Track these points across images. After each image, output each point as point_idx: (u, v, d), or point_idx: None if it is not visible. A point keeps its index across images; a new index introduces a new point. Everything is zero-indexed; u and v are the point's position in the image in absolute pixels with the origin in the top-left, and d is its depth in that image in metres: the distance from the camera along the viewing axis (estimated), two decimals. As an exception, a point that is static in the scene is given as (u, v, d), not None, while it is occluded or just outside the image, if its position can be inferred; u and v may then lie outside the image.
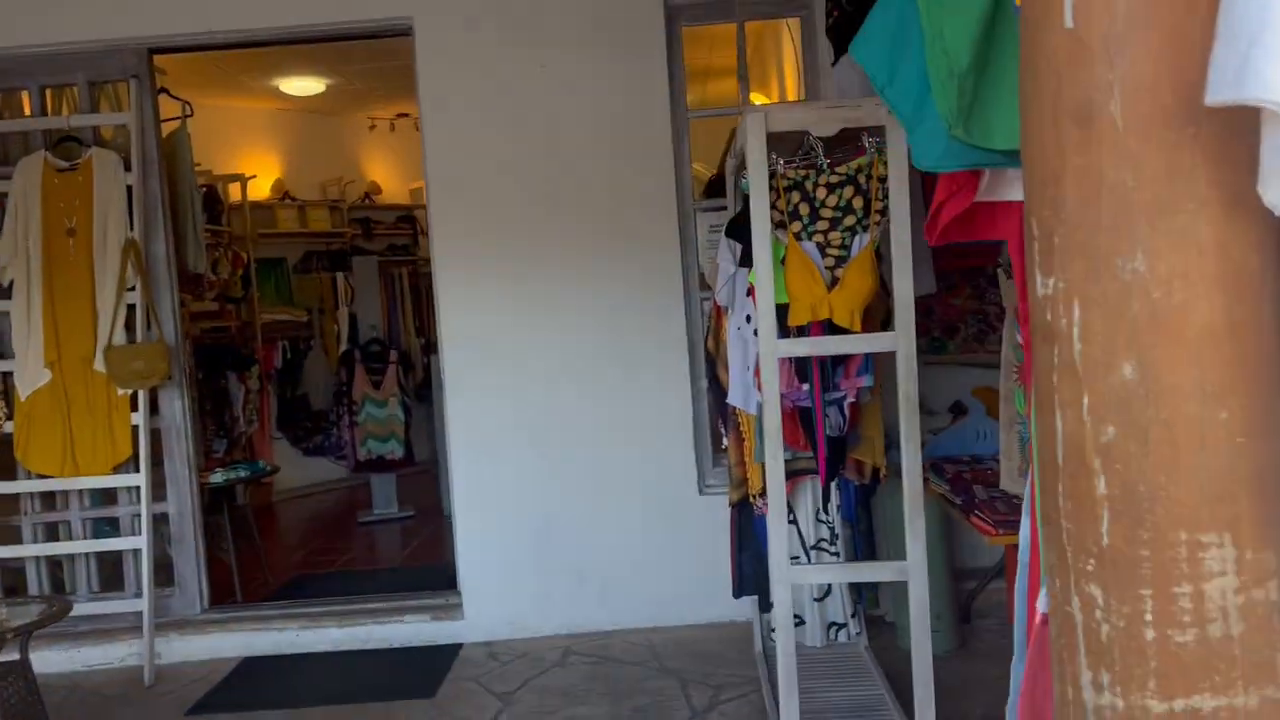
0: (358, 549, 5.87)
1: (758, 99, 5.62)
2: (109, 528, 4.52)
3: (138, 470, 4.21)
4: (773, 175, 2.69)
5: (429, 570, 5.20)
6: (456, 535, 4.41)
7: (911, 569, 2.58)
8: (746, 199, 3.10)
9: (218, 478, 4.71)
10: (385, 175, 8.99)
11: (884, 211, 2.60)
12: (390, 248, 8.71)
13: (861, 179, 2.60)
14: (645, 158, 4.27)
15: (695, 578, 4.32)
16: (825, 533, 3.68)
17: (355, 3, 4.24)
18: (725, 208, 4.39)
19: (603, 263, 4.29)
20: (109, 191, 4.24)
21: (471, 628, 4.35)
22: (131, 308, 4.24)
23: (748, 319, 3.25)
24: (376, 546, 5.93)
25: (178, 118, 4.65)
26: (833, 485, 3.63)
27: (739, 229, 3.28)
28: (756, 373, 3.23)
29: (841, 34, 3.93)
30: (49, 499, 4.43)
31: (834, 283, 2.63)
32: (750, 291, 3.22)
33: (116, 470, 4.25)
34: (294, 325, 7.88)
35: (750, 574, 3.78)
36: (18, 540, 4.34)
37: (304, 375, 7.82)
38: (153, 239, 4.33)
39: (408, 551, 5.75)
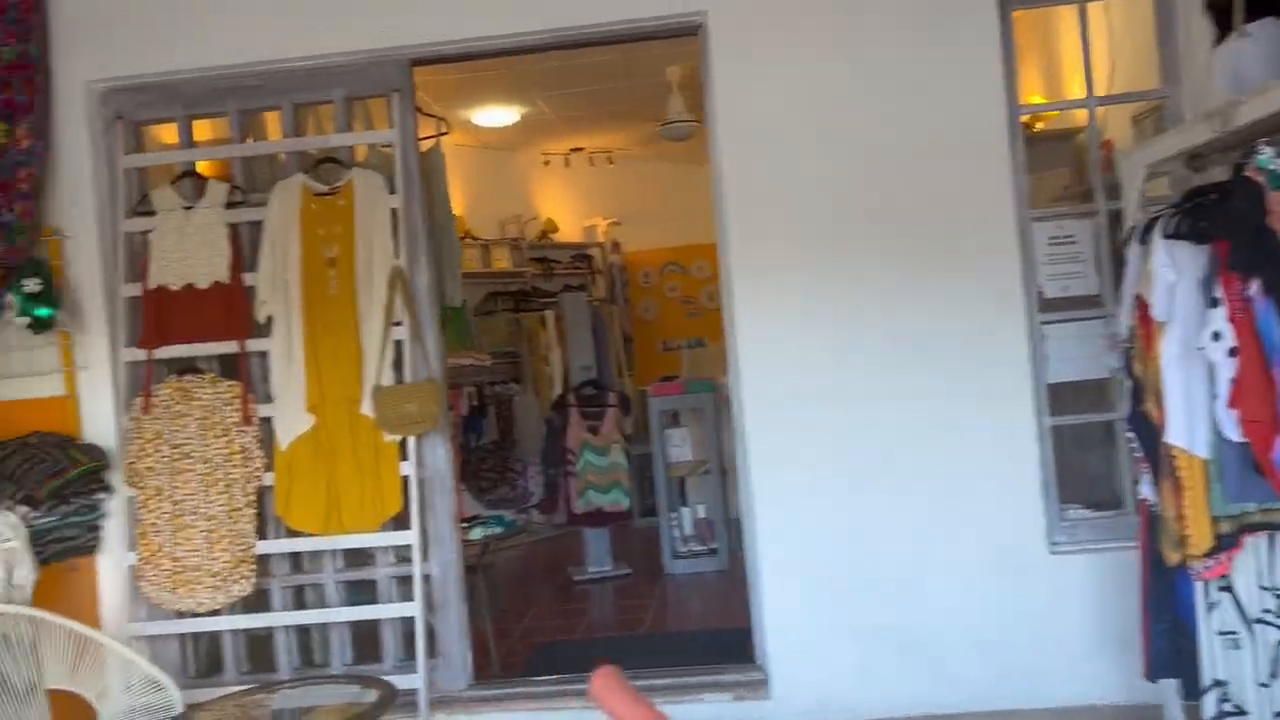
0: (592, 612, 5.32)
1: (1035, 98, 5.00)
2: (358, 592, 4.04)
3: (408, 526, 3.72)
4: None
5: (696, 637, 4.63)
6: (760, 599, 3.81)
7: None
8: (1239, 180, 2.49)
9: (476, 534, 4.20)
10: (559, 212, 8.59)
11: None
12: (566, 287, 8.28)
13: None
14: (978, 162, 3.68)
15: (1047, 650, 3.65)
16: (1271, 602, 2.98)
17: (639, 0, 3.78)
18: (1066, 215, 3.81)
19: (928, 285, 3.70)
20: (373, 216, 3.82)
21: (781, 708, 3.73)
22: (398, 344, 3.79)
23: (1215, 336, 2.62)
24: (611, 608, 5.37)
25: (431, 136, 4.23)
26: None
27: (1201, 229, 2.67)
28: (1232, 401, 2.60)
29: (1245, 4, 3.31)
30: (295, 559, 3.97)
31: None
32: (1220, 300, 2.60)
33: (384, 527, 3.77)
34: (476, 370, 7.46)
35: (1168, 651, 3.11)
36: (265, 606, 3.88)
37: (488, 422, 7.38)
38: (415, 269, 3.88)
39: (653, 615, 5.17)
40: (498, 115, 6.92)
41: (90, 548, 3.83)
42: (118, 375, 3.90)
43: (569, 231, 8.67)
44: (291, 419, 3.74)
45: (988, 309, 3.70)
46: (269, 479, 3.76)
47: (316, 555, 3.94)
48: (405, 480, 3.74)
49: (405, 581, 3.90)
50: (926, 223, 3.70)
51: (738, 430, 3.91)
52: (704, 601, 5.45)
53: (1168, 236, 2.78)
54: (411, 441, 3.75)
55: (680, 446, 6.24)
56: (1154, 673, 3.12)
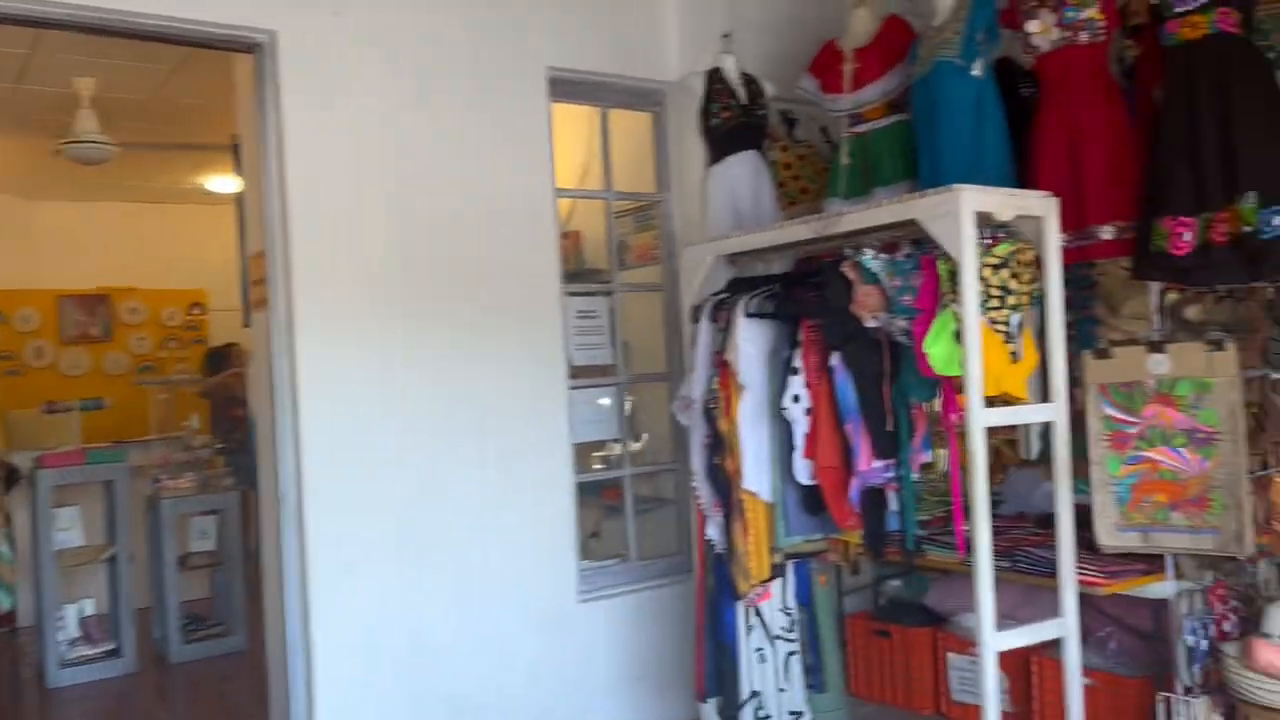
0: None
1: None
2: None
3: None
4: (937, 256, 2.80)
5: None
6: (314, 674, 3.40)
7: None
8: (833, 272, 3.10)
9: None
10: None
11: (1030, 293, 2.86)
12: None
13: (1012, 262, 2.84)
14: (532, 236, 3.91)
15: (581, 696, 3.91)
16: (784, 621, 3.65)
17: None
18: (593, 292, 4.23)
19: (485, 348, 3.78)
20: None
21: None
22: None
23: (795, 398, 3.21)
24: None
25: None
26: (789, 569, 3.64)
27: (782, 310, 3.26)
28: (808, 452, 3.20)
29: (734, 138, 4.09)
30: None
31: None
32: (798, 369, 3.20)
33: None
34: None
35: (715, 672, 3.59)
36: None
37: None
38: None
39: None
40: None
41: None
42: None
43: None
44: None
45: (537, 375, 3.90)
46: None
47: None
48: None
49: None
50: (488, 288, 3.79)
51: (284, 501, 3.49)
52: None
53: (749, 315, 3.33)
54: None
55: (69, 530, 5.17)
56: (706, 693, 3.58)
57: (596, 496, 4.54)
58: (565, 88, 4.09)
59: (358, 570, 3.48)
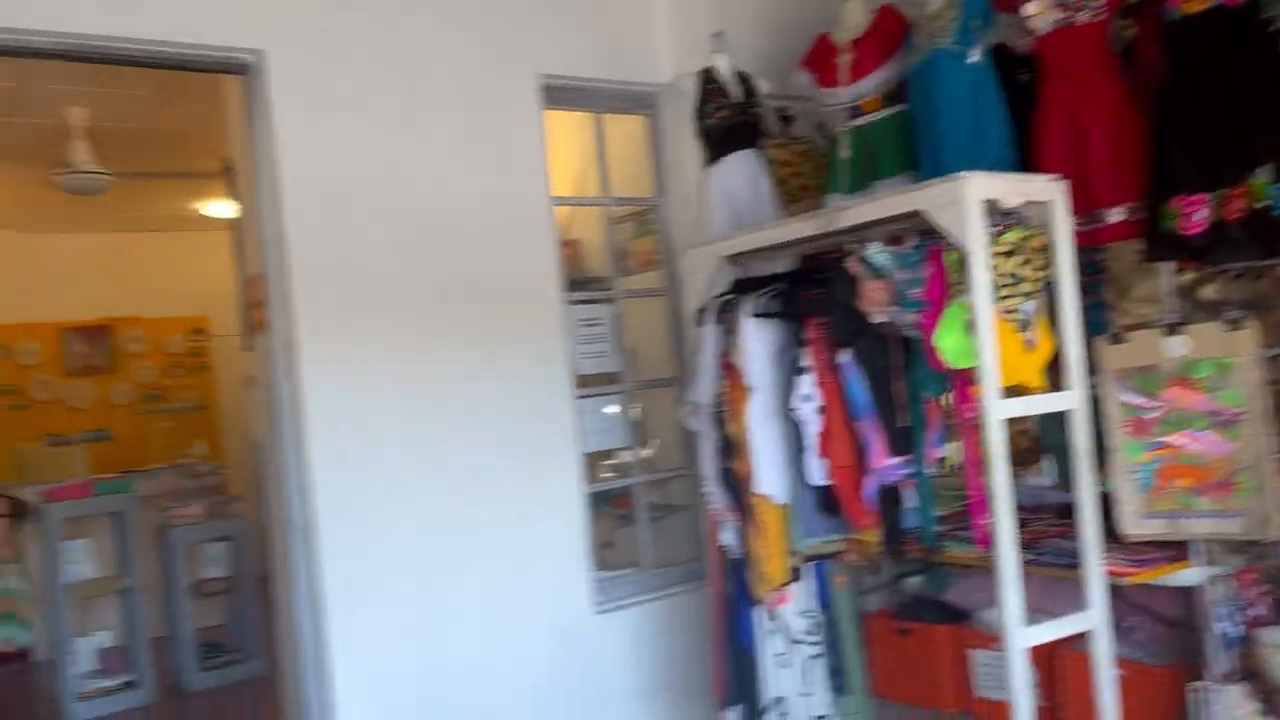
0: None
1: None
2: None
3: None
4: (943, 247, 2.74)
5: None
6: (333, 700, 3.34)
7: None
8: (838, 270, 3.04)
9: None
10: None
11: (1042, 280, 2.81)
12: None
13: (1023, 249, 2.78)
14: (531, 246, 3.86)
15: (603, 707, 3.86)
16: (805, 624, 3.59)
17: (192, 22, 3.24)
18: (596, 300, 4.18)
19: (491, 361, 3.72)
20: None
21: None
22: None
23: (805, 398, 3.15)
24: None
25: None
26: (809, 571, 3.58)
27: (788, 310, 3.21)
28: (821, 452, 3.15)
29: (730, 138, 4.04)
30: None
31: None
32: (807, 368, 3.15)
33: None
34: None
35: (736, 679, 3.53)
36: None
37: None
38: None
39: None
40: None
41: None
42: None
43: None
44: None
45: (542, 386, 3.85)
46: None
47: None
48: None
49: None
50: (490, 300, 3.74)
51: (291, 528, 3.44)
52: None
53: (754, 316, 3.27)
54: None
55: (80, 563, 5.14)
56: (727, 701, 3.52)
57: (607, 506, 4.49)
58: (558, 94, 4.04)
59: (373, 593, 3.43)
